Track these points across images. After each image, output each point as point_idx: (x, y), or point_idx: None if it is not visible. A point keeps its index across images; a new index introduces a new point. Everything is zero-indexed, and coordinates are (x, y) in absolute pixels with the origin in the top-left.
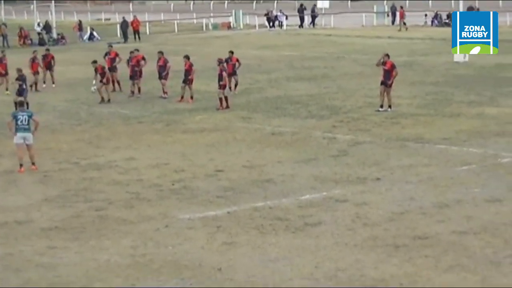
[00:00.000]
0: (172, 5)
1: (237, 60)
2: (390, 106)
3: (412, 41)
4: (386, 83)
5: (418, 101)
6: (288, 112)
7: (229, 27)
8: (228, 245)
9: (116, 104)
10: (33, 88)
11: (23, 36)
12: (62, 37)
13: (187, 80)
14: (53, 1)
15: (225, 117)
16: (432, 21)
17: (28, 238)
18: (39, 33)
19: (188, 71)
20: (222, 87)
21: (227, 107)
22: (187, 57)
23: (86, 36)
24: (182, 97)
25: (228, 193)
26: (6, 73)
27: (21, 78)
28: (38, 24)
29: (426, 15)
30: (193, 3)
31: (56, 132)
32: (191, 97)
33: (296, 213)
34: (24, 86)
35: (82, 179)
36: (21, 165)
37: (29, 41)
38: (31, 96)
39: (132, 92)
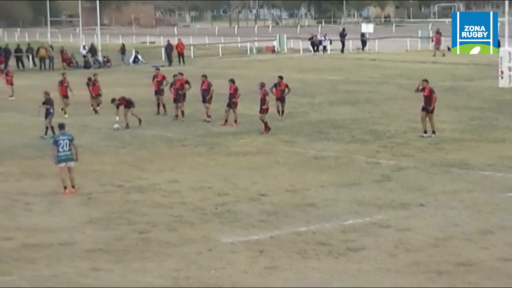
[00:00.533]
0: (216, 28)
1: (286, 86)
2: (434, 132)
3: (456, 66)
4: (427, 109)
5: (462, 126)
6: (331, 136)
7: (273, 51)
8: (271, 269)
9: (159, 127)
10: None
11: (64, 59)
12: (107, 60)
13: (232, 104)
14: (98, 24)
15: (268, 140)
16: None
17: (72, 260)
18: (84, 56)
19: (233, 95)
20: (264, 111)
21: (268, 130)
22: (232, 81)
23: (131, 59)
24: (226, 121)
25: (271, 217)
26: (66, 96)
27: (48, 101)
28: (84, 47)
29: None
30: (238, 26)
31: (100, 154)
32: (235, 121)
33: (339, 238)
34: (51, 110)
35: (126, 201)
36: (65, 187)
37: (75, 64)
38: (76, 118)
39: (176, 116)
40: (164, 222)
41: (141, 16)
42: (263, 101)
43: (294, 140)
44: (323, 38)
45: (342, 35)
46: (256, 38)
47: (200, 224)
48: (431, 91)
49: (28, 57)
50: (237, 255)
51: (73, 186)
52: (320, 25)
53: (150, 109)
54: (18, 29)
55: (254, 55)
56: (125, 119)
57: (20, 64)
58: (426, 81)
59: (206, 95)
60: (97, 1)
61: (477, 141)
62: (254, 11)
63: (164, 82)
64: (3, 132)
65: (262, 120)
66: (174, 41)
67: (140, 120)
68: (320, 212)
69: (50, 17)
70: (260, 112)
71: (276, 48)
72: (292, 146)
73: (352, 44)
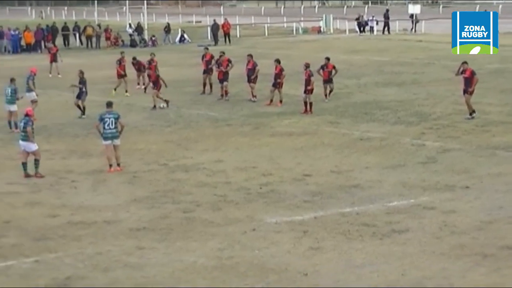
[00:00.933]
0: (263, 8)
1: (334, 67)
2: (471, 113)
3: (504, 48)
4: (467, 90)
5: (509, 108)
6: (376, 117)
7: (319, 31)
8: (314, 250)
9: (205, 106)
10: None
11: (110, 37)
12: (154, 39)
13: (277, 84)
14: (145, 3)
15: (313, 121)
16: None
17: (117, 238)
18: (130, 35)
19: (278, 75)
20: (308, 91)
21: (311, 111)
22: (277, 61)
23: (177, 39)
24: (271, 101)
25: (315, 198)
26: (125, 75)
27: (81, 81)
28: (130, 26)
29: None
30: (284, 6)
31: (145, 133)
32: (280, 101)
33: (383, 219)
34: (84, 89)
35: (170, 180)
36: (110, 166)
37: (121, 43)
38: (121, 97)
39: (221, 95)
40: (208, 201)
41: None
42: (307, 82)
43: (339, 121)
44: (370, 18)
45: (386, 16)
46: (302, 18)
47: (244, 203)
48: (473, 73)
49: (74, 35)
50: (281, 235)
51: (118, 164)
52: (366, 6)
53: (196, 89)
54: (65, 8)
55: (300, 35)
56: (153, 99)
57: (66, 43)
58: (466, 63)
59: (252, 75)
60: None
61: None
62: None
63: (213, 61)
64: (49, 110)
65: (305, 101)
66: (220, 21)
67: (167, 102)
68: (365, 194)
69: None
70: (305, 92)
71: (322, 29)
72: (337, 127)
73: (398, 25)
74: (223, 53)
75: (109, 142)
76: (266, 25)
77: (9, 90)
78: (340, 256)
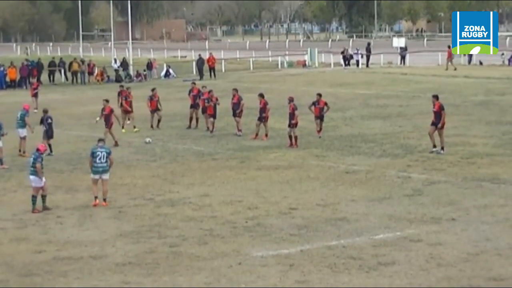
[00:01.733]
0: (248, 42)
1: (325, 104)
2: (443, 148)
3: (489, 80)
4: (437, 125)
5: (494, 141)
6: (362, 150)
7: (304, 65)
8: (301, 283)
9: (190, 141)
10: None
11: (92, 72)
12: (139, 74)
13: (262, 118)
14: (130, 38)
15: (299, 154)
16: (509, 61)
17: (103, 273)
18: (116, 70)
19: (263, 109)
20: (293, 125)
21: (296, 145)
22: (261, 95)
23: (162, 73)
24: (256, 134)
25: (302, 231)
26: (158, 109)
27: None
28: (115, 61)
29: (503, 54)
30: (269, 40)
31: (131, 168)
32: (266, 135)
33: (370, 252)
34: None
35: (157, 214)
36: (96, 198)
37: (106, 78)
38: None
39: (208, 128)
40: (194, 235)
41: (172, 31)
42: (292, 116)
43: (325, 154)
44: (355, 52)
45: (368, 50)
46: (287, 52)
47: (231, 237)
48: (441, 108)
49: (60, 71)
50: (268, 269)
51: (104, 200)
52: (351, 39)
53: (182, 123)
54: (51, 43)
55: (285, 69)
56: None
57: (52, 78)
58: (436, 97)
59: (237, 109)
60: (129, 16)
61: (509, 156)
62: (285, 26)
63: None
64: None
65: (290, 135)
66: (206, 55)
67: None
68: (351, 226)
69: (83, 31)
70: (289, 126)
71: (307, 62)
72: (323, 160)
73: (383, 58)
74: (205, 87)
75: (98, 176)
76: (251, 59)
77: None
78: None
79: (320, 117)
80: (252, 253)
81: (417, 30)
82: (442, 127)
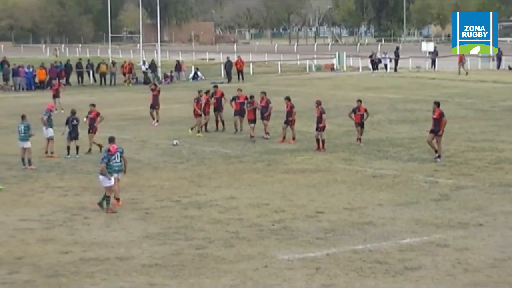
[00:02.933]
0: (276, 46)
1: (365, 110)
2: (439, 156)
3: None
4: (436, 132)
5: None
6: (389, 154)
7: (332, 68)
8: (327, 287)
9: (218, 143)
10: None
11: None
12: (167, 76)
13: (289, 121)
14: (159, 40)
15: (326, 158)
16: None
17: (129, 274)
18: (144, 72)
19: (290, 112)
20: (320, 128)
21: (323, 149)
22: (288, 99)
23: (190, 76)
24: (284, 138)
25: (328, 235)
26: (204, 113)
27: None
28: (144, 63)
29: None
30: (297, 44)
31: (158, 170)
32: (293, 138)
33: (396, 256)
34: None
35: (183, 217)
36: (118, 199)
37: (134, 80)
38: (135, 134)
39: (236, 130)
40: (220, 238)
41: (201, 33)
42: (319, 119)
43: (352, 158)
44: (383, 56)
45: (396, 54)
46: (315, 56)
47: (257, 240)
48: (441, 114)
49: (88, 72)
50: (294, 272)
51: (118, 199)
52: (380, 43)
53: (209, 125)
54: (80, 45)
55: (313, 73)
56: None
57: (80, 80)
58: (437, 104)
59: (265, 112)
60: (158, 18)
61: None
62: (313, 29)
63: (223, 99)
64: (62, 147)
65: (317, 139)
66: (234, 58)
67: (100, 147)
68: (378, 231)
69: (111, 33)
70: (317, 130)
71: (335, 66)
72: (350, 164)
73: (412, 62)
74: (240, 90)
75: (115, 175)
76: (279, 62)
77: (22, 127)
78: None
79: (360, 124)
80: (278, 256)
81: (446, 35)
82: (441, 135)
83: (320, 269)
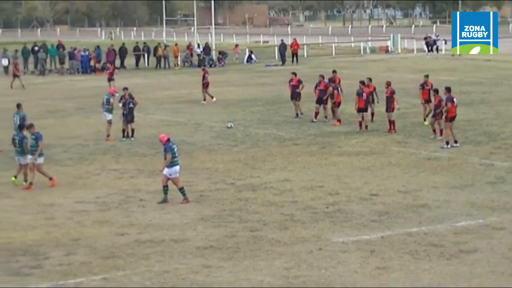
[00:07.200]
0: (330, 28)
1: (374, 89)
2: (447, 142)
3: None
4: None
5: None
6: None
7: (386, 51)
8: (381, 269)
9: (272, 126)
10: None
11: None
12: (220, 59)
13: (335, 103)
14: (213, 23)
15: (380, 141)
16: None
17: (184, 257)
18: (198, 55)
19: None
20: (390, 110)
21: (394, 130)
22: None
23: (244, 58)
24: (338, 120)
25: (382, 218)
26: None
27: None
28: (198, 46)
29: None
30: (351, 26)
31: (212, 152)
32: (338, 120)
33: (451, 239)
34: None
35: (237, 199)
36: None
37: (189, 63)
38: (189, 117)
39: (296, 114)
40: (275, 220)
41: (255, 16)
42: (389, 100)
43: (406, 141)
44: (438, 38)
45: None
46: (369, 38)
47: (311, 223)
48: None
49: (143, 55)
50: (348, 254)
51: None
52: (435, 25)
53: (263, 108)
54: (135, 28)
55: (367, 55)
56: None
57: (136, 63)
58: (448, 89)
59: (323, 96)
60: (212, 1)
61: None
62: (368, 11)
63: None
64: (118, 130)
65: (390, 119)
66: (288, 41)
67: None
68: (432, 213)
69: (166, 16)
70: (387, 111)
71: (389, 48)
72: (404, 146)
73: None
74: (295, 74)
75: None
76: (333, 45)
77: (17, 118)
78: (407, 276)
79: (429, 100)
80: (332, 239)
81: (501, 17)
82: (450, 120)
83: (375, 251)
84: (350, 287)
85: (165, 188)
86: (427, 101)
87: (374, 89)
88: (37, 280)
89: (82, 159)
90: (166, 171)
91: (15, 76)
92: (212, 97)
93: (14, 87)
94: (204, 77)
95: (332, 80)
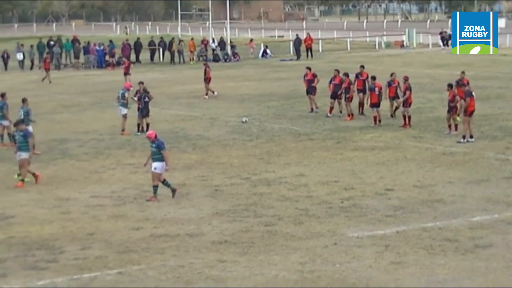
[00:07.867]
0: (345, 22)
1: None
2: (464, 137)
3: None
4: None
5: None
6: (460, 132)
7: (402, 45)
8: (396, 264)
9: (287, 121)
10: None
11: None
12: (235, 54)
13: (346, 98)
14: (228, 18)
15: (395, 135)
16: None
17: (199, 251)
18: (213, 49)
19: (348, 89)
20: (407, 105)
21: (409, 125)
22: (346, 74)
23: (259, 53)
24: (351, 115)
25: (398, 212)
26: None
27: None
28: (213, 41)
29: None
30: (366, 20)
31: (227, 147)
32: (349, 115)
33: (466, 234)
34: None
35: (252, 194)
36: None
37: (204, 57)
38: (204, 111)
39: (312, 109)
40: (290, 215)
41: (270, 11)
42: (406, 95)
43: (422, 136)
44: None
45: None
46: (385, 33)
47: (326, 218)
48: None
49: (159, 50)
50: (363, 249)
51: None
52: (450, 20)
53: (278, 103)
54: (150, 23)
55: (382, 50)
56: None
57: (151, 57)
58: (452, 85)
59: (338, 90)
60: None
61: None
62: (383, 6)
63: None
64: (133, 124)
65: (404, 115)
66: (303, 35)
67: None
68: (448, 208)
69: (181, 11)
70: (403, 106)
71: (405, 43)
72: (420, 141)
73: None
74: (309, 68)
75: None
76: (348, 40)
77: (22, 112)
78: (422, 271)
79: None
80: (347, 234)
81: None
82: (469, 114)
83: (390, 246)
84: (364, 282)
85: (165, 183)
86: (463, 98)
87: (367, 77)
88: (52, 274)
89: (98, 154)
90: (153, 165)
91: (46, 70)
92: (213, 92)
93: (43, 82)
94: (205, 72)
95: (360, 74)
